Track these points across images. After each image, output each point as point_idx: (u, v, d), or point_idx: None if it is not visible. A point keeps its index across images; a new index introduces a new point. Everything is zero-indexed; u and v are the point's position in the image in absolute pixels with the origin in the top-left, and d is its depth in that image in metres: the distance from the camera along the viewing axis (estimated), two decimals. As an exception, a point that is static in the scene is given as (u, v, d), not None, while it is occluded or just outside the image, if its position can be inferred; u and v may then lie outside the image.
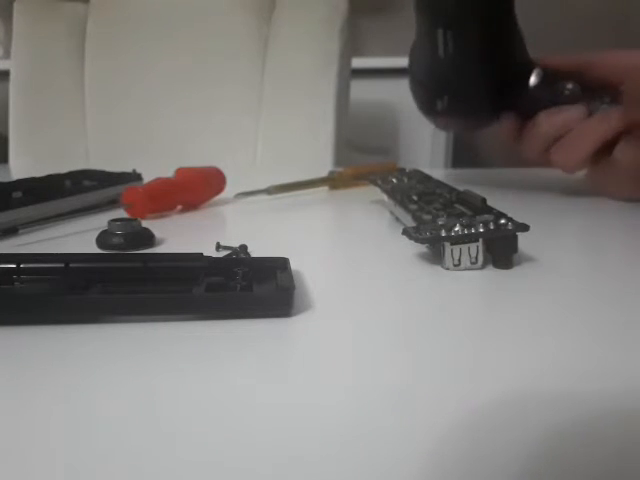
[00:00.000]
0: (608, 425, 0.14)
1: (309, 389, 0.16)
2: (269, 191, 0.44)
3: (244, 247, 0.29)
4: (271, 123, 0.91)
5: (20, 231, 0.34)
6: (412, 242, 0.26)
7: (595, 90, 0.43)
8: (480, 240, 0.26)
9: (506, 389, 0.16)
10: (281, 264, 0.24)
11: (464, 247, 0.26)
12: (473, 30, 0.44)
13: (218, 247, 0.30)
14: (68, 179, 0.44)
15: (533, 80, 0.44)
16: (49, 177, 0.42)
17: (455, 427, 0.14)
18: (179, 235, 0.34)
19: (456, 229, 0.26)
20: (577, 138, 0.42)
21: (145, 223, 0.32)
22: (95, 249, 0.30)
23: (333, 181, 0.50)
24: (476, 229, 0.26)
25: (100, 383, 0.16)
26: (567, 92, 0.43)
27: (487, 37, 0.44)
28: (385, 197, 0.39)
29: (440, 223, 0.27)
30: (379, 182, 0.41)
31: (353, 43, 0.96)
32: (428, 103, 0.48)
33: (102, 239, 0.31)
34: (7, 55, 1.16)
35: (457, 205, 0.32)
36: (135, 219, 0.32)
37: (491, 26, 0.44)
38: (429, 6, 0.45)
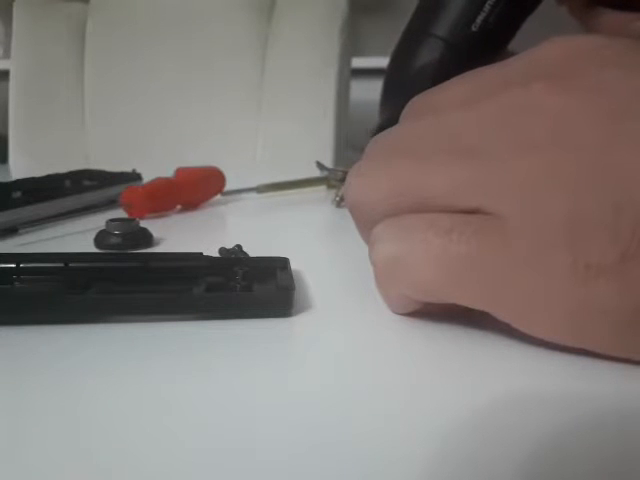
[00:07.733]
0: (608, 426, 0.14)
1: (309, 389, 0.16)
2: (259, 190, 0.44)
3: (239, 247, 0.29)
4: (271, 123, 0.91)
5: (20, 231, 0.34)
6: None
7: None
8: None
9: (508, 389, 0.16)
10: (281, 264, 0.24)
11: None
12: None
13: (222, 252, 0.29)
14: (68, 179, 0.44)
15: None
16: (49, 177, 0.42)
17: (457, 427, 0.14)
18: (178, 235, 0.34)
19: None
20: None
21: (144, 223, 0.32)
22: (94, 249, 0.30)
23: (327, 180, 0.50)
24: None
25: (100, 383, 0.16)
26: None
27: None
28: None
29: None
30: None
31: (353, 43, 0.96)
32: None
33: (100, 239, 0.31)
34: (7, 55, 1.16)
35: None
36: (133, 219, 0.32)
37: None
38: None
